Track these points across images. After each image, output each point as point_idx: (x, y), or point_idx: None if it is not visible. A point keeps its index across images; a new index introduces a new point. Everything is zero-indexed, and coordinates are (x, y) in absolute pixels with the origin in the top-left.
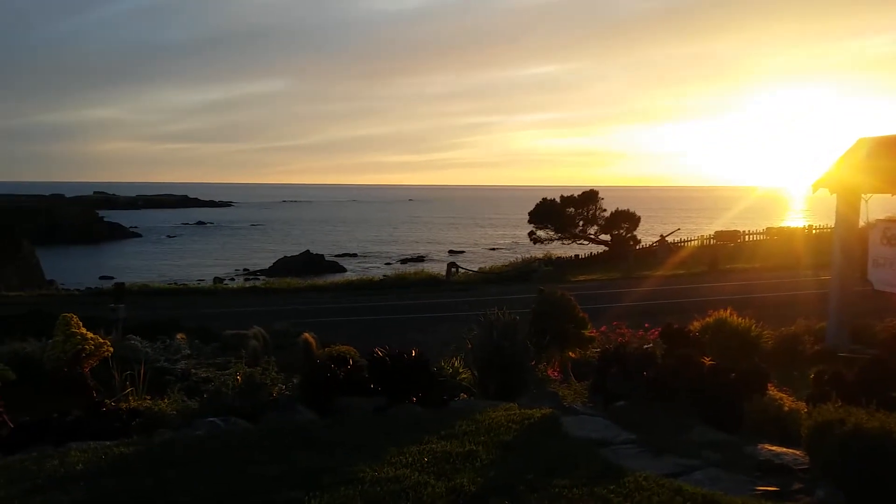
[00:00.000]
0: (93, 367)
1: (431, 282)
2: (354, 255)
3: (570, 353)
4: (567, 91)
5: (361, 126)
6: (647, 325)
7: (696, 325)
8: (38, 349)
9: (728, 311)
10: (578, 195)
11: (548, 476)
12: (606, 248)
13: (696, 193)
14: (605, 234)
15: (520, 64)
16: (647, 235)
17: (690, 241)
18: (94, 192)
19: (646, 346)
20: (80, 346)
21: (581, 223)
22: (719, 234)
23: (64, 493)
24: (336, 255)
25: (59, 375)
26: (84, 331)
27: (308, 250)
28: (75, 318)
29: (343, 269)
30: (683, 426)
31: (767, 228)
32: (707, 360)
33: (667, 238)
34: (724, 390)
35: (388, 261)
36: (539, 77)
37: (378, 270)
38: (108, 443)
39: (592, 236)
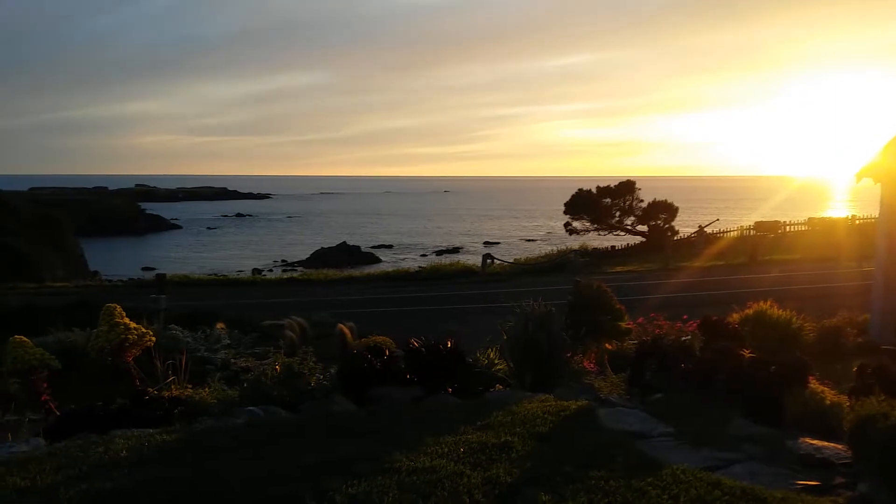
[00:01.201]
0: (136, 356)
1: (466, 273)
2: (390, 247)
3: (607, 345)
4: (599, 80)
5: (395, 118)
6: (685, 316)
7: (736, 317)
8: (83, 339)
9: (768, 302)
10: (615, 185)
11: (584, 468)
12: (643, 239)
13: (733, 183)
14: (642, 224)
15: (553, 53)
16: (684, 226)
17: (729, 231)
18: (136, 185)
19: (684, 339)
20: (124, 336)
21: (618, 214)
22: (759, 225)
23: (108, 480)
24: (372, 247)
25: (104, 364)
26: (127, 321)
27: (344, 242)
28: (119, 309)
29: (379, 261)
30: (722, 419)
31: (809, 219)
32: (746, 353)
33: (705, 228)
34: (764, 383)
35: (423, 252)
36: (571, 66)
37: (413, 262)
38: (150, 430)
39: (629, 227)
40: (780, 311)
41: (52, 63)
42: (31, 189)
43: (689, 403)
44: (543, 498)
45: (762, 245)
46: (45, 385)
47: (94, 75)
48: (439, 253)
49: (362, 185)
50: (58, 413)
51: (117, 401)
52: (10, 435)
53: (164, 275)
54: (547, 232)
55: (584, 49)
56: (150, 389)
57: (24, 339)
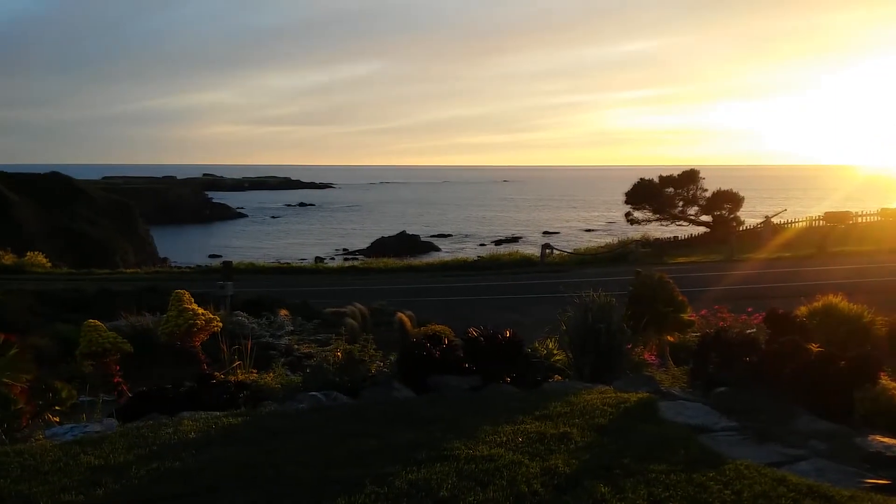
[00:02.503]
0: (203, 340)
1: (525, 263)
2: (449, 236)
3: (668, 337)
4: (661, 67)
5: (454, 107)
6: (749, 309)
7: (803, 310)
8: (154, 323)
9: (838, 295)
10: (678, 175)
11: (644, 461)
12: (707, 230)
13: (798, 172)
14: (706, 214)
15: (615, 40)
16: (750, 216)
17: (797, 222)
18: (203, 175)
19: (748, 332)
20: (192, 322)
21: (681, 204)
22: (829, 216)
23: (177, 460)
24: (431, 236)
25: (173, 348)
26: (195, 307)
27: (404, 231)
28: (187, 295)
29: (438, 249)
30: (788, 414)
31: (882, 209)
32: (814, 347)
33: (772, 219)
34: (833, 378)
35: (481, 241)
36: (633, 53)
37: (472, 251)
38: (217, 413)
39: (692, 217)
40: (851, 304)
41: (122, 56)
42: (104, 178)
43: (753, 398)
44: (602, 490)
45: (832, 236)
46: (118, 367)
47: (163, 67)
48: (498, 242)
49: (421, 175)
50: (129, 394)
51: (185, 384)
52: (84, 415)
53: (230, 262)
54: (607, 222)
55: (646, 35)
56: (217, 373)
57: (98, 322)
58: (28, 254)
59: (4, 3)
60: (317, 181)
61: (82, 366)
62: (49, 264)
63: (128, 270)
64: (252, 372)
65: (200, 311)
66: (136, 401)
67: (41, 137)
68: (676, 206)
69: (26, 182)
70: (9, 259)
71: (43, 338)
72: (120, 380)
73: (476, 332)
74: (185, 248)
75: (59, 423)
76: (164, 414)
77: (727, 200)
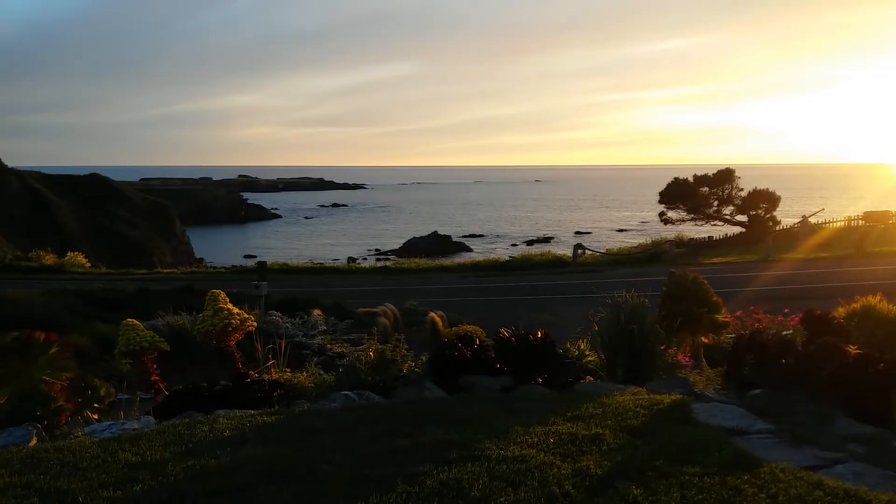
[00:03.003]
0: (238, 340)
1: (557, 263)
2: (481, 236)
3: (703, 339)
4: (699, 65)
5: (488, 107)
6: (786, 310)
7: (841, 311)
8: (190, 322)
9: (877, 296)
10: (713, 174)
11: (677, 463)
12: (743, 230)
13: (837, 171)
14: (742, 214)
15: (650, 39)
16: (786, 216)
17: (835, 221)
18: (239, 176)
19: (785, 333)
20: (227, 321)
21: (716, 203)
22: (868, 215)
23: (212, 458)
24: (463, 236)
25: (208, 347)
26: (230, 306)
27: (436, 231)
28: (223, 294)
29: (469, 250)
30: (825, 417)
31: None
32: (852, 349)
33: (809, 218)
34: (871, 381)
35: (513, 242)
36: (670, 52)
37: (504, 251)
38: (251, 411)
39: (728, 217)
40: (890, 305)
41: (160, 59)
42: (142, 179)
43: (789, 400)
44: (635, 492)
45: (871, 236)
46: (155, 366)
47: (199, 71)
48: (530, 243)
49: (454, 175)
50: (166, 393)
51: (220, 382)
52: (122, 412)
53: (264, 262)
54: (640, 222)
55: (682, 34)
56: (252, 372)
57: (136, 322)
58: (68, 254)
59: (46, 7)
60: (350, 182)
61: (120, 364)
62: (88, 264)
63: (165, 270)
64: (286, 371)
65: (235, 310)
66: (173, 399)
67: (81, 140)
68: (711, 206)
69: (67, 183)
70: (50, 259)
71: (82, 336)
72: (157, 378)
73: (507, 332)
74: (221, 248)
75: (98, 421)
76: (200, 412)
77: (763, 200)
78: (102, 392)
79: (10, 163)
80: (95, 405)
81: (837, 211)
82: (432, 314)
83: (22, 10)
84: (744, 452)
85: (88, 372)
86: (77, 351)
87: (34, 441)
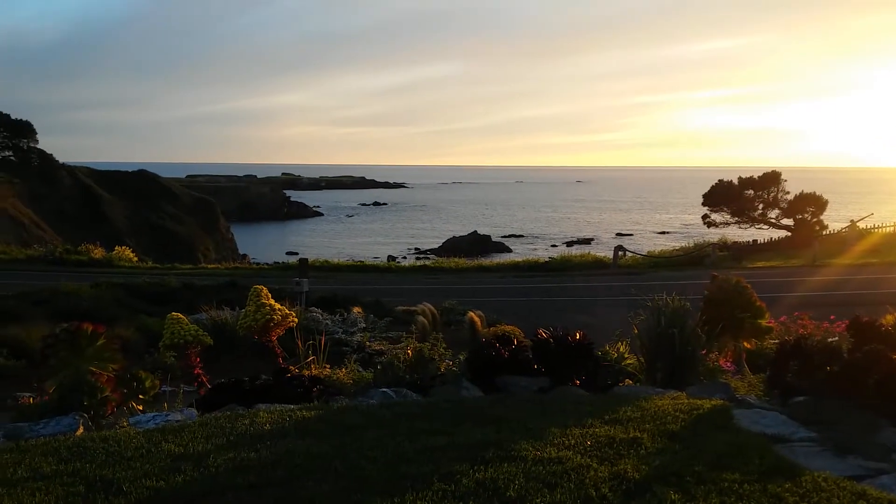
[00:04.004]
0: (279, 335)
1: (597, 265)
2: (520, 237)
3: (745, 344)
4: (743, 66)
5: (529, 107)
6: (832, 316)
7: (890, 318)
8: (232, 317)
9: None
10: (758, 176)
11: (716, 469)
12: (788, 234)
13: (888, 175)
14: (788, 218)
15: (694, 39)
16: (834, 220)
17: (885, 226)
18: (283, 174)
19: (830, 340)
20: (269, 317)
21: (761, 206)
22: None
23: (253, 451)
24: (502, 236)
25: (250, 342)
26: (272, 302)
27: (475, 231)
28: (265, 290)
29: (509, 250)
30: (871, 426)
31: None
32: None
33: (858, 223)
34: None
35: (553, 242)
36: (713, 52)
37: (543, 252)
38: (291, 406)
39: (773, 220)
40: None
41: (207, 58)
42: (188, 176)
43: (834, 408)
44: (673, 497)
45: None
46: (198, 359)
47: (246, 70)
48: (570, 244)
49: (494, 175)
50: (209, 386)
51: (262, 377)
52: (166, 404)
53: (306, 259)
54: (682, 224)
55: (726, 34)
56: (292, 368)
57: (181, 315)
58: (116, 248)
59: (97, 7)
60: (391, 181)
61: (165, 357)
62: (135, 259)
63: (209, 266)
64: (325, 367)
65: (277, 306)
66: (215, 392)
67: (130, 136)
68: (756, 209)
69: (116, 180)
70: (98, 253)
71: (129, 329)
72: (200, 371)
73: (546, 333)
74: (264, 244)
75: (143, 412)
76: (241, 405)
77: (810, 203)
78: (147, 384)
79: (62, 159)
80: (140, 396)
81: (887, 216)
82: (471, 313)
83: (73, 10)
84: (786, 460)
85: (134, 364)
86: (123, 343)
87: (81, 430)
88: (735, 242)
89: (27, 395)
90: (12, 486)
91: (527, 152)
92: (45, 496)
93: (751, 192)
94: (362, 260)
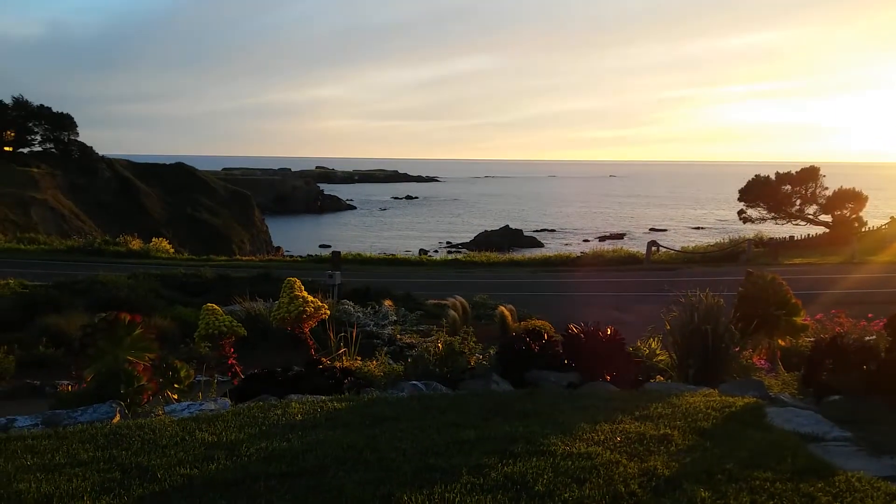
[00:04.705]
0: (311, 327)
1: (630, 260)
2: (552, 231)
3: (779, 341)
4: (780, 60)
5: (565, 101)
6: (869, 315)
7: None
8: (266, 309)
9: None
10: (796, 172)
11: (748, 467)
12: (826, 230)
13: None
14: (826, 214)
15: (733, 31)
16: (874, 217)
17: None
18: (317, 167)
19: (867, 339)
20: (302, 309)
21: (798, 202)
22: None
23: (284, 441)
24: (534, 231)
25: (283, 333)
26: (305, 294)
27: (507, 225)
28: (298, 283)
29: (541, 245)
30: None
31: None
32: None
33: None
34: None
35: (585, 237)
36: (756, 45)
37: (576, 247)
38: (323, 397)
39: (811, 217)
40: None
41: (243, 52)
42: (224, 169)
43: (869, 408)
44: (703, 494)
45: None
46: (232, 350)
47: (281, 63)
48: (602, 239)
49: (527, 169)
50: (242, 376)
51: (294, 368)
52: (200, 394)
53: (338, 252)
54: (717, 220)
55: (767, 26)
56: (324, 359)
57: (216, 306)
58: (153, 240)
59: (136, 1)
60: (423, 175)
61: (200, 347)
62: (172, 250)
63: (243, 258)
64: (356, 359)
65: (310, 298)
66: (248, 382)
67: (168, 129)
68: (794, 205)
69: (154, 172)
70: (136, 244)
71: (165, 319)
72: (234, 362)
73: (576, 328)
74: (298, 237)
75: (178, 401)
76: (274, 396)
77: (849, 200)
78: (182, 373)
79: (101, 151)
80: (175, 385)
81: None
82: (501, 308)
83: (115, 3)
84: (819, 459)
85: (170, 353)
86: (159, 333)
87: (117, 418)
88: (771, 239)
89: (66, 382)
90: (51, 471)
91: (561, 146)
92: (83, 482)
93: (788, 187)
94: (394, 253)
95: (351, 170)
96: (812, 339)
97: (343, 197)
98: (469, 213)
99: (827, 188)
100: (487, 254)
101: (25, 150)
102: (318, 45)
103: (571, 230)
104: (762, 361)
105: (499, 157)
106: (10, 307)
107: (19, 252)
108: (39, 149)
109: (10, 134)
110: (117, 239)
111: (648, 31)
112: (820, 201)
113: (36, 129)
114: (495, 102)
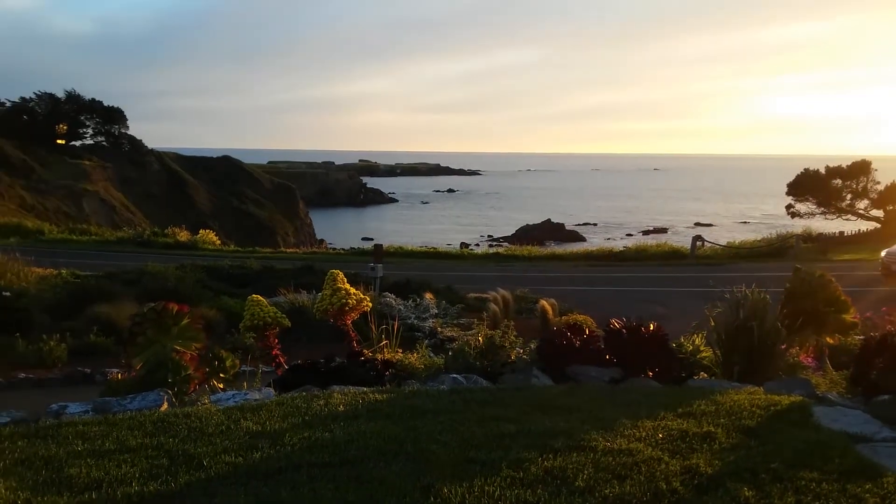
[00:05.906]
0: (354, 319)
1: (674, 255)
2: (595, 225)
3: (827, 339)
4: (829, 50)
5: (609, 93)
6: None
7: None
8: (309, 301)
9: None
10: (847, 166)
11: (794, 467)
12: (878, 226)
13: None
14: (877, 209)
15: (782, 21)
16: None
17: None
18: (360, 160)
19: None
20: (344, 301)
21: (849, 197)
22: None
23: (326, 431)
24: (576, 225)
25: (326, 325)
26: (348, 286)
27: (549, 219)
28: (341, 275)
29: (583, 239)
30: None
31: None
32: None
33: None
34: None
35: (629, 231)
36: (801, 35)
37: (618, 241)
38: (364, 389)
39: (862, 211)
40: None
41: (289, 47)
42: (269, 162)
43: None
44: (747, 493)
45: None
46: (276, 340)
47: (326, 57)
48: (646, 233)
49: (570, 163)
50: (286, 366)
51: (336, 359)
52: (245, 383)
53: (380, 245)
54: (763, 214)
55: (818, 16)
56: (366, 351)
57: (260, 298)
58: (200, 231)
59: None
60: (465, 168)
61: (245, 337)
62: (218, 241)
63: (287, 250)
64: (398, 351)
65: (352, 290)
66: (292, 372)
67: (215, 123)
68: (844, 200)
69: (201, 165)
70: (184, 236)
71: (211, 310)
72: (278, 352)
73: (618, 323)
74: (341, 230)
75: (223, 390)
76: (317, 386)
77: None
78: (228, 363)
79: (150, 144)
80: (221, 375)
81: None
82: (543, 302)
83: (160, 1)
84: (867, 460)
85: (216, 343)
86: (206, 323)
87: (165, 406)
88: (820, 234)
89: (115, 370)
90: (100, 457)
91: (604, 139)
92: (131, 468)
93: (838, 181)
94: (435, 247)
95: (393, 163)
96: (861, 338)
97: (385, 190)
98: (510, 207)
99: (878, 182)
100: (528, 248)
101: (77, 143)
102: (365, 38)
103: (614, 224)
104: (809, 359)
105: (541, 151)
106: (63, 297)
107: (71, 243)
108: (91, 142)
109: (63, 127)
110: (165, 230)
111: (692, 22)
112: (871, 196)
113: (88, 123)
114: (538, 95)
